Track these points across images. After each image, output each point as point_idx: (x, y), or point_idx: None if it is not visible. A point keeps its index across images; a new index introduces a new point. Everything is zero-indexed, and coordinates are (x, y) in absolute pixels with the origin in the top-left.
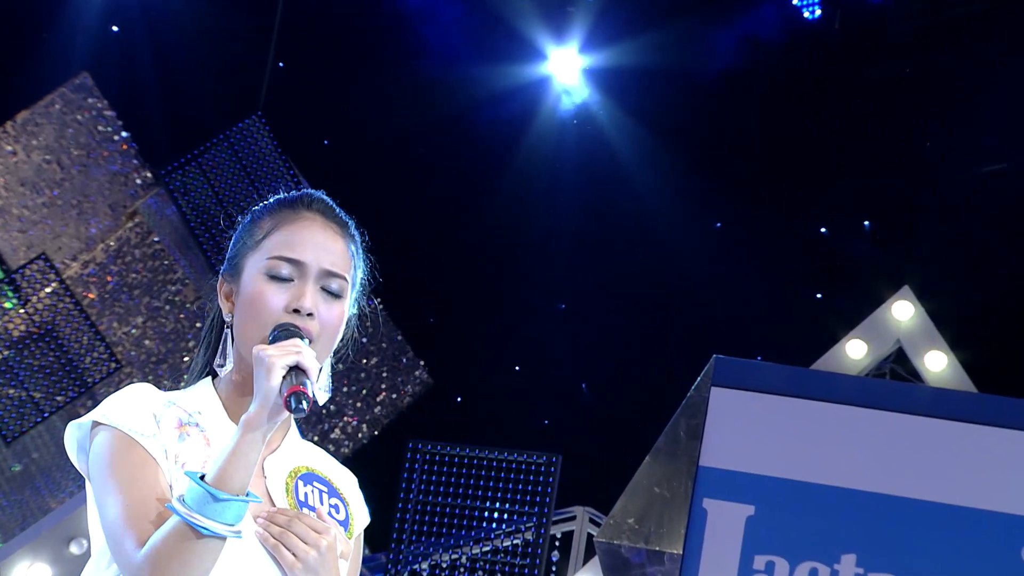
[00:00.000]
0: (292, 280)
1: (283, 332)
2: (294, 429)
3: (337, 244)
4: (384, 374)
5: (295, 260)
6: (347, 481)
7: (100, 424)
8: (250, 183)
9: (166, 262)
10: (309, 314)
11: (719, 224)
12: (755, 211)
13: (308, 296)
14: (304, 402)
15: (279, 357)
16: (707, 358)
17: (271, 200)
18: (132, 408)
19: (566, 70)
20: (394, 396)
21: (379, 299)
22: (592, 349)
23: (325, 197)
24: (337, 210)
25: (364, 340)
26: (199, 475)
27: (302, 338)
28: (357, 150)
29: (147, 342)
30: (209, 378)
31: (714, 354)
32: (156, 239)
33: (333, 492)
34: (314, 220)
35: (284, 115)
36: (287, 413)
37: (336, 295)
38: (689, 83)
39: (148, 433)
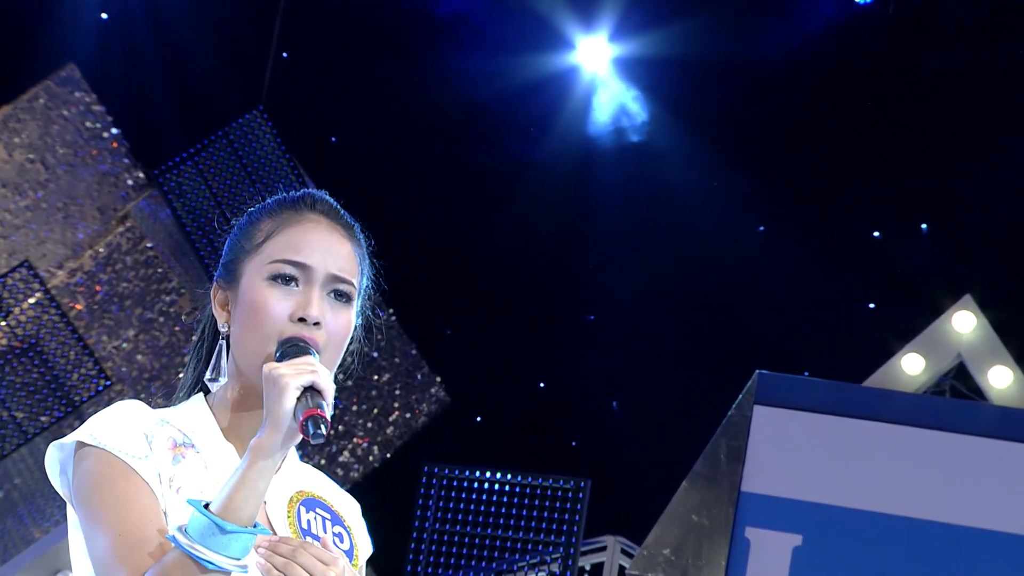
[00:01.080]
0: (296, 286)
1: (291, 347)
2: (293, 450)
3: (344, 247)
4: (397, 391)
5: (300, 263)
6: (350, 508)
7: (86, 445)
8: (251, 184)
9: (160, 270)
10: (316, 323)
11: (762, 227)
12: (802, 213)
13: (315, 303)
14: (323, 426)
15: (292, 377)
16: (749, 374)
17: (270, 201)
18: (122, 427)
19: (595, 60)
20: (408, 415)
21: (391, 309)
22: (624, 364)
23: (328, 197)
24: (342, 211)
25: (375, 355)
26: (203, 504)
27: (312, 354)
28: (367, 148)
29: (139, 357)
30: (201, 394)
31: (757, 369)
32: (149, 245)
33: (336, 519)
34: (319, 222)
35: (288, 110)
36: (300, 438)
37: (344, 302)
38: (728, 74)
39: (140, 455)
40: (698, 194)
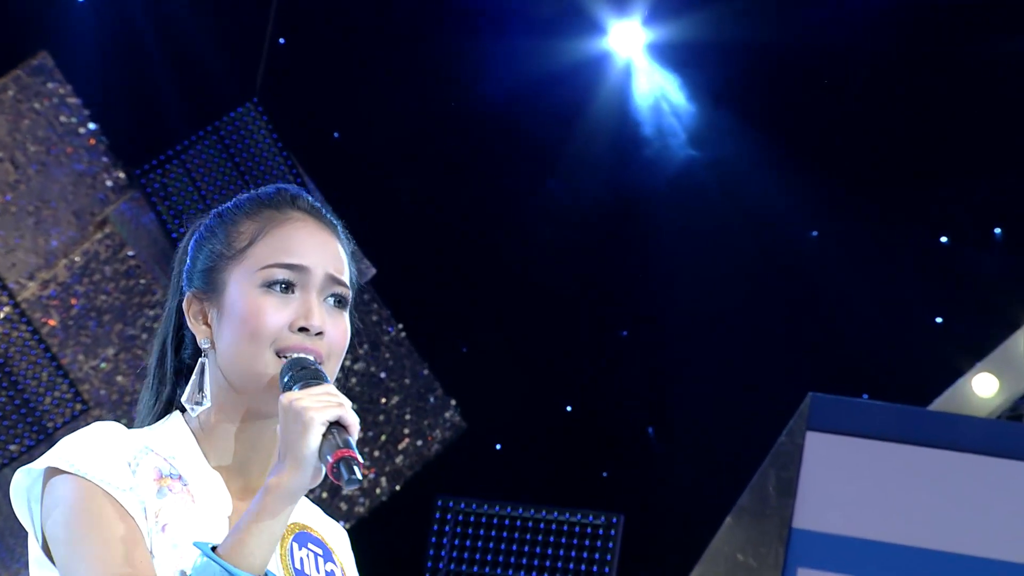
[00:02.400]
0: (292, 292)
1: (302, 371)
2: None
3: (335, 246)
4: (407, 416)
5: (297, 266)
6: (340, 539)
7: (61, 472)
8: (244, 184)
9: (143, 281)
10: (319, 333)
11: (815, 233)
12: (859, 217)
13: (316, 310)
14: (357, 470)
15: (317, 411)
16: (801, 396)
17: (241, 200)
18: (102, 453)
19: (628, 46)
20: (419, 443)
21: (400, 325)
22: (661, 385)
23: (304, 192)
24: (323, 208)
25: (382, 375)
26: (210, 546)
27: (323, 379)
28: (375, 144)
29: (120, 379)
30: (179, 415)
31: (810, 391)
32: (130, 253)
33: (328, 555)
34: (305, 220)
35: (285, 102)
36: (322, 479)
37: (341, 307)
38: (775, 62)
39: (124, 486)
40: (742, 197)
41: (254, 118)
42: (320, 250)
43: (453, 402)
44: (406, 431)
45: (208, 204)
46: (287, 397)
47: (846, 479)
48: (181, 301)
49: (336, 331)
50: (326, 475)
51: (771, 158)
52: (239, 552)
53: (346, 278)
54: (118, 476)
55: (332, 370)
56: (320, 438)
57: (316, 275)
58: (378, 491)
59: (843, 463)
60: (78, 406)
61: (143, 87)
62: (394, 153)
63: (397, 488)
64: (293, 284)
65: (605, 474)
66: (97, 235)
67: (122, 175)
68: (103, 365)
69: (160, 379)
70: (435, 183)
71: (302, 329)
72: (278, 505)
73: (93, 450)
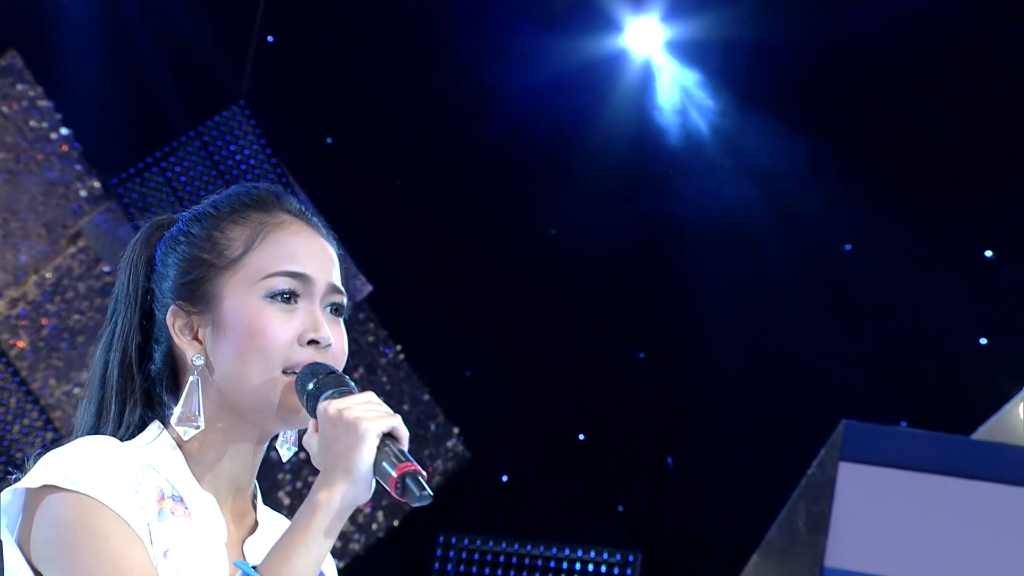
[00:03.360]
0: (296, 302)
1: (328, 376)
2: (258, 492)
3: (331, 252)
4: (409, 446)
5: (300, 275)
6: (329, 570)
7: (59, 490)
8: None
9: None
10: (328, 345)
11: (848, 246)
12: (897, 228)
13: (323, 322)
14: (426, 485)
15: (372, 421)
16: (833, 424)
17: (220, 202)
18: (106, 469)
19: (646, 43)
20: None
21: (399, 346)
22: (681, 411)
23: (283, 191)
24: (304, 208)
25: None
26: (251, 566)
27: (351, 385)
28: (371, 151)
29: None
30: (166, 432)
31: (843, 418)
32: (106, 269)
33: None
34: (299, 224)
35: (275, 105)
36: (370, 496)
37: (340, 316)
38: (803, 60)
39: (131, 505)
40: (767, 206)
41: (240, 122)
42: (319, 257)
43: (456, 430)
44: None
45: None
46: (334, 406)
47: (882, 514)
48: (145, 309)
49: (340, 343)
50: (379, 489)
51: (802, 164)
52: (286, 573)
53: (342, 285)
54: (125, 494)
55: None
56: (375, 450)
57: (319, 284)
58: (375, 527)
59: (879, 496)
60: (49, 435)
61: (120, 89)
62: (392, 160)
63: (395, 523)
64: (296, 294)
65: (621, 508)
66: (70, 249)
67: (97, 184)
68: (76, 391)
69: (121, 397)
70: (437, 192)
71: (312, 342)
72: (329, 522)
73: (96, 465)
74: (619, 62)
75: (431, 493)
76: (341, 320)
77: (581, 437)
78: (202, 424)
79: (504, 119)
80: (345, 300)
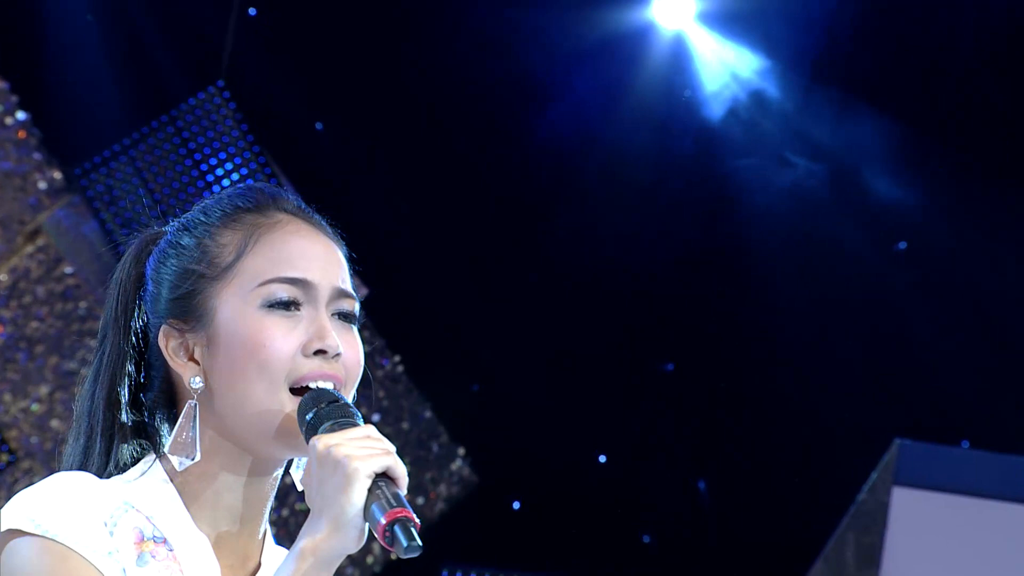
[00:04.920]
0: (298, 309)
1: (330, 405)
2: (269, 532)
3: (336, 253)
4: (409, 468)
5: (301, 280)
6: None
7: (23, 534)
8: (207, 187)
9: (83, 304)
10: (337, 355)
11: (903, 244)
12: (957, 225)
13: (329, 329)
14: (416, 535)
15: (363, 460)
16: (886, 443)
17: (210, 207)
18: (75, 510)
19: (675, 16)
20: (420, 501)
21: (397, 356)
22: (714, 430)
23: (284, 191)
24: (305, 207)
25: (375, 417)
26: None
27: (356, 416)
28: (367, 137)
29: (55, 423)
30: (158, 464)
31: (896, 437)
32: (68, 271)
33: None
34: (298, 224)
35: (256, 86)
36: (363, 542)
37: (350, 323)
38: (855, 35)
39: (102, 549)
40: (809, 199)
41: (219, 105)
42: (322, 259)
43: (461, 451)
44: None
45: (163, 210)
46: (323, 442)
47: (940, 544)
48: (138, 333)
49: (351, 351)
50: (370, 537)
51: (846, 153)
52: None
53: (351, 289)
54: (96, 538)
55: (350, 395)
56: (366, 493)
57: (322, 289)
58: (370, 560)
59: (937, 525)
60: (4, 456)
61: (84, 68)
62: (391, 147)
63: (393, 557)
64: (298, 302)
65: (647, 539)
66: (28, 248)
67: (58, 175)
68: (35, 407)
69: (108, 434)
70: (443, 184)
71: (318, 352)
72: (314, 573)
73: (64, 506)
74: (646, 37)
75: (420, 544)
76: (353, 327)
77: (602, 459)
78: (198, 454)
79: (517, 103)
80: (356, 306)
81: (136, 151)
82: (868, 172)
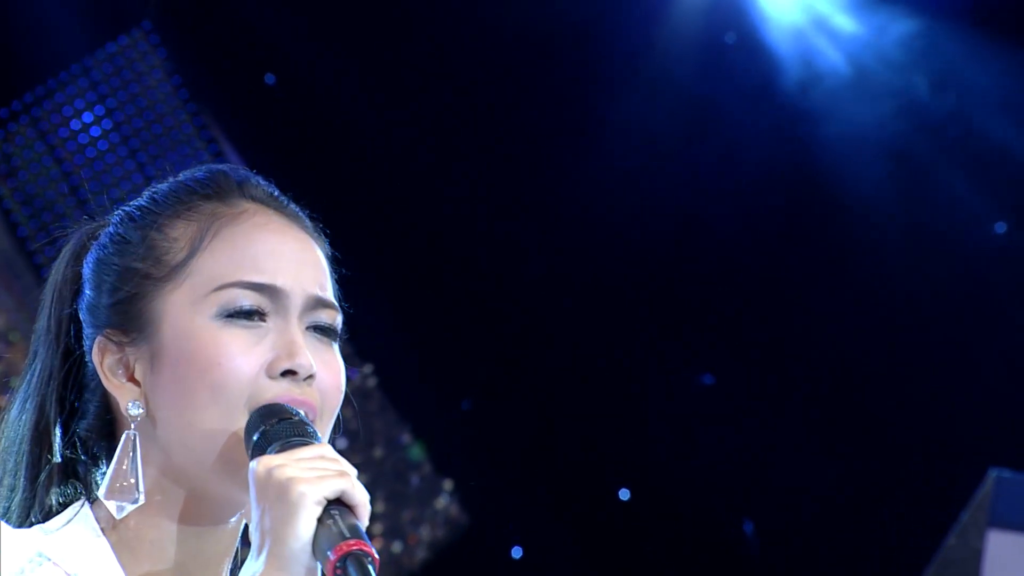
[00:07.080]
0: (262, 320)
1: (280, 423)
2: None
3: (314, 252)
4: (379, 506)
5: (267, 286)
6: None
7: None
8: (131, 154)
9: None
10: (309, 376)
11: (1003, 227)
12: None
13: (301, 345)
14: (372, 569)
15: (311, 484)
16: (979, 476)
17: (162, 192)
18: None
19: None
20: (396, 546)
21: (367, 367)
22: (762, 459)
23: (253, 175)
24: (279, 194)
25: (340, 444)
26: None
27: (313, 435)
28: (332, 93)
29: None
30: (88, 511)
31: (992, 468)
32: None
33: None
34: (267, 216)
35: (193, 29)
36: None
37: (330, 338)
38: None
39: None
40: (885, 181)
41: (145, 52)
42: (295, 260)
43: (448, 485)
44: (378, 528)
45: (75, 184)
46: (263, 464)
47: None
48: (72, 349)
49: (330, 373)
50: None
51: (928, 125)
52: None
53: (332, 297)
54: None
55: (325, 429)
56: (315, 523)
57: (294, 297)
58: None
59: None
60: None
61: None
62: (363, 105)
63: None
64: (263, 311)
65: None
66: None
67: None
68: None
69: (33, 471)
70: (426, 155)
71: (287, 373)
72: None
73: None
74: None
75: None
76: (333, 343)
77: (624, 495)
78: (141, 497)
79: (518, 55)
80: (337, 318)
81: (40, 109)
82: (926, 146)
